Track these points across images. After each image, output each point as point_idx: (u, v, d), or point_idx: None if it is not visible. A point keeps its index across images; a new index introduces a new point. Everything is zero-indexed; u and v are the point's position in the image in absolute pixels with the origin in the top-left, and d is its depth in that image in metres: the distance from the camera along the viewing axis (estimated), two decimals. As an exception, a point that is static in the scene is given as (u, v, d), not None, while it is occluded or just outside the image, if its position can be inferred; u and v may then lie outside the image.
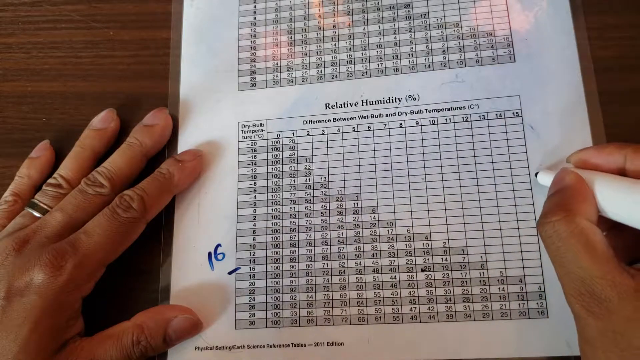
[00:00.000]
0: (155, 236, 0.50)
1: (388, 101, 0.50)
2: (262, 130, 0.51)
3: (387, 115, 0.50)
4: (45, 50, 0.57)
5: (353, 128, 0.50)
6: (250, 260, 0.48)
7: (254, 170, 0.50)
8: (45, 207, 0.47)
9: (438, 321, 0.45)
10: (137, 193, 0.46)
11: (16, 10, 0.58)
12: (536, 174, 0.45)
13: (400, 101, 0.50)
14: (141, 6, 0.57)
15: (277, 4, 0.54)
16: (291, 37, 0.53)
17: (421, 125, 0.49)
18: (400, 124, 0.49)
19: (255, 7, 0.54)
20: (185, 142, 0.52)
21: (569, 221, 0.37)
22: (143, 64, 0.55)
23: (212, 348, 0.47)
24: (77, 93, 0.55)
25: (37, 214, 0.47)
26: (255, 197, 0.50)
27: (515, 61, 0.49)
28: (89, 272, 0.44)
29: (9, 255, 0.44)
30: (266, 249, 0.48)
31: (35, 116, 0.55)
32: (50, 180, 0.49)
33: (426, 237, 0.47)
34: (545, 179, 0.44)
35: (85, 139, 0.51)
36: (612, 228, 0.39)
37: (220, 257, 0.49)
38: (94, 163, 0.51)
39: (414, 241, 0.47)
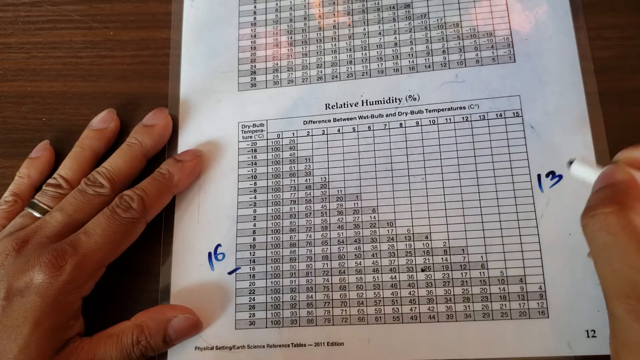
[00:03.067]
0: (155, 236, 0.50)
1: (388, 101, 0.50)
2: (262, 131, 0.51)
3: (387, 116, 0.50)
4: (45, 50, 0.57)
5: (353, 128, 0.50)
6: (250, 260, 0.49)
7: (254, 171, 0.51)
8: (45, 207, 0.48)
9: (438, 321, 0.45)
10: (137, 193, 0.47)
11: (16, 10, 0.59)
12: (570, 163, 0.41)
13: (400, 101, 0.50)
14: (141, 6, 0.57)
15: (277, 4, 0.54)
16: (291, 38, 0.54)
17: (421, 126, 0.49)
18: (401, 124, 0.50)
19: (255, 7, 0.55)
20: (186, 142, 0.52)
21: (623, 215, 0.34)
22: (143, 64, 0.56)
23: (212, 348, 0.47)
24: (77, 93, 0.56)
25: (37, 214, 0.47)
26: (255, 197, 0.50)
27: (515, 61, 0.50)
28: (89, 272, 0.44)
29: (9, 255, 0.44)
30: (266, 249, 0.49)
31: (35, 116, 0.56)
32: (50, 181, 0.50)
33: (426, 237, 0.47)
34: (582, 171, 0.40)
35: (85, 139, 0.52)
36: None
37: (220, 257, 0.49)
38: (94, 163, 0.51)
39: (414, 241, 0.47)
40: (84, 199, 0.47)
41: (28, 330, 0.41)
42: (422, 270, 0.46)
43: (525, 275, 0.45)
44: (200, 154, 0.51)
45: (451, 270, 0.46)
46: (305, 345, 0.46)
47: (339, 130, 0.50)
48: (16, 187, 0.51)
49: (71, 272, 0.43)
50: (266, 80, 0.53)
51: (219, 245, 0.49)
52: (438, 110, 0.50)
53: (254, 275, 0.48)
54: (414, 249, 0.47)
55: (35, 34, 0.58)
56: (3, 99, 0.56)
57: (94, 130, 0.52)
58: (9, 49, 0.58)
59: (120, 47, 0.56)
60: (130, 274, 0.50)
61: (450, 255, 0.46)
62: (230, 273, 0.49)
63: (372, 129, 0.50)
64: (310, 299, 0.47)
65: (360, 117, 0.50)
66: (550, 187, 0.46)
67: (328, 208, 0.49)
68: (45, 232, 0.45)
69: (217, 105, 0.53)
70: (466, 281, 0.46)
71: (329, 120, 0.51)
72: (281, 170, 0.50)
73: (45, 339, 0.42)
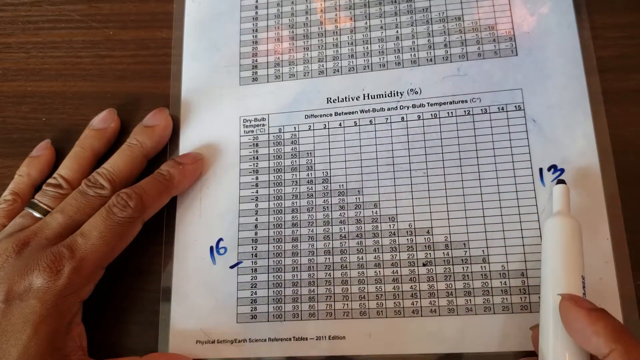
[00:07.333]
0: (157, 232, 0.52)
1: (390, 95, 0.53)
2: (263, 125, 0.54)
3: (388, 109, 0.53)
4: (45, 50, 0.60)
5: (355, 122, 0.53)
6: (252, 254, 0.51)
7: (255, 165, 0.53)
8: (45, 207, 0.50)
9: (439, 315, 0.48)
10: (135, 192, 0.48)
11: (16, 10, 0.61)
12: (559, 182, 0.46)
13: (402, 95, 0.53)
14: (141, 6, 0.60)
15: (279, -2, 0.57)
16: (293, 32, 0.56)
17: (423, 119, 0.52)
18: (402, 117, 0.52)
19: (257, 1, 0.57)
20: (187, 137, 0.55)
21: None
22: (143, 63, 0.58)
23: (213, 342, 0.49)
24: (77, 93, 0.58)
25: (37, 215, 0.50)
26: (257, 192, 0.52)
27: (517, 55, 0.52)
28: (87, 275, 0.46)
29: (9, 257, 0.46)
30: (268, 243, 0.51)
31: (35, 116, 0.58)
32: (50, 180, 0.52)
33: (428, 232, 0.49)
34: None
35: (86, 139, 0.54)
36: None
37: (222, 251, 0.51)
38: (94, 163, 0.54)
39: (415, 236, 0.49)
40: (84, 200, 0.49)
41: (28, 336, 0.43)
42: (424, 265, 0.49)
43: (526, 269, 0.48)
44: (201, 158, 0.53)
45: (452, 265, 0.48)
46: (307, 339, 0.49)
47: (340, 124, 0.53)
48: (16, 185, 0.53)
49: (69, 276, 0.45)
50: (267, 75, 0.55)
51: (220, 239, 0.52)
52: (440, 104, 0.52)
53: (255, 269, 0.51)
54: (416, 243, 0.49)
55: (35, 33, 0.60)
56: (3, 99, 0.59)
57: (94, 130, 0.54)
58: (9, 48, 0.60)
59: (120, 47, 0.59)
60: (132, 270, 0.52)
61: (451, 249, 0.49)
62: (232, 267, 0.51)
63: (373, 123, 0.52)
64: (312, 292, 0.49)
65: (362, 111, 0.53)
66: (552, 181, 0.48)
67: (330, 203, 0.51)
68: (46, 234, 0.47)
69: (218, 99, 0.55)
70: (467, 275, 0.48)
71: (331, 115, 0.53)
72: (283, 164, 0.53)
73: (45, 345, 0.43)
